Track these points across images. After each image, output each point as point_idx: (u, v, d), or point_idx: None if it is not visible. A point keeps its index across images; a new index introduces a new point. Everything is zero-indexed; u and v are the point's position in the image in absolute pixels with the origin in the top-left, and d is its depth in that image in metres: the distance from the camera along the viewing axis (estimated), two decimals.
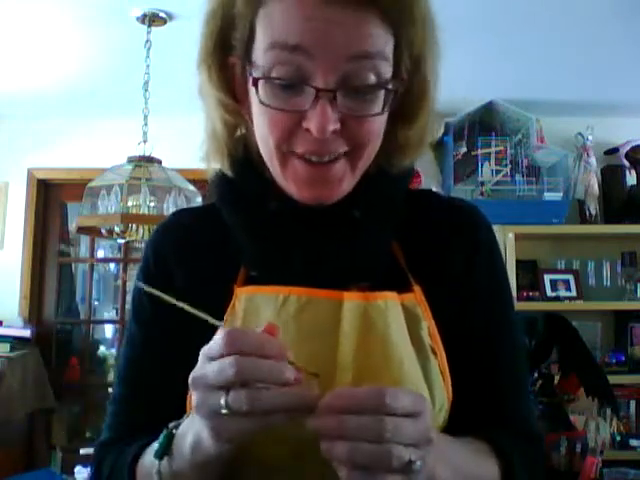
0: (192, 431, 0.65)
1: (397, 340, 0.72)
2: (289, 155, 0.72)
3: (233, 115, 0.77)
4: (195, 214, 0.91)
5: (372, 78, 0.69)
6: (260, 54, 0.70)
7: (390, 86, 0.71)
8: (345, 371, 0.71)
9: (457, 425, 0.76)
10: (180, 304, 0.64)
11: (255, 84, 0.70)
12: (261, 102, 0.70)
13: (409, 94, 0.75)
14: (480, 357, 0.80)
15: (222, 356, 0.58)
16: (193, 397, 0.61)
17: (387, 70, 0.70)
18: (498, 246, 0.86)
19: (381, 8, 0.67)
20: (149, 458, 0.71)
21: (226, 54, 0.75)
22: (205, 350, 0.61)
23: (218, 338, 0.60)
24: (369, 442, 0.56)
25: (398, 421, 0.56)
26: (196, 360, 0.73)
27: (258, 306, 0.75)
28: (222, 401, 0.57)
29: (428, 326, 0.76)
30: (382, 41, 0.69)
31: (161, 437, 0.69)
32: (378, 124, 0.73)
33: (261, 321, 0.72)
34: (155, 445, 0.69)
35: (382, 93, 0.70)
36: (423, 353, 0.74)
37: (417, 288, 0.77)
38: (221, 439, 0.61)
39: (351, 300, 0.74)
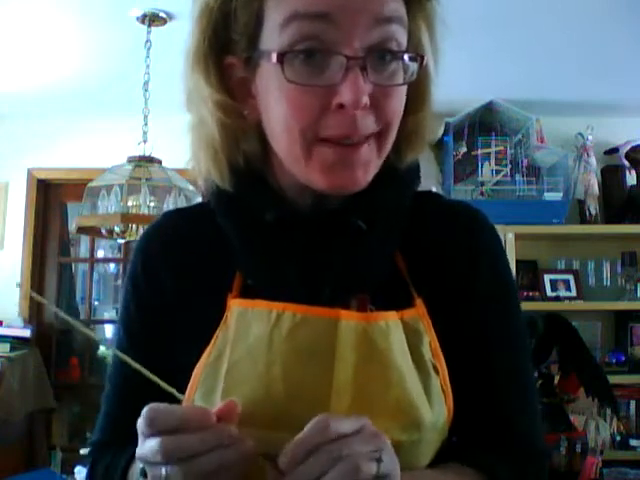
0: None
1: (399, 361, 0.70)
2: (315, 143, 0.68)
3: (233, 118, 0.72)
4: (187, 215, 0.86)
5: (394, 45, 0.67)
6: (275, 35, 0.66)
7: (412, 55, 0.69)
8: (341, 393, 0.68)
9: (458, 440, 0.74)
10: (138, 367, 0.64)
11: (281, 60, 0.65)
12: (288, 80, 0.65)
13: (416, 78, 0.72)
14: (483, 367, 0.77)
15: (148, 436, 0.60)
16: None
17: (404, 40, 0.69)
18: (503, 251, 0.82)
19: None
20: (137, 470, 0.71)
21: (221, 55, 0.71)
22: (139, 424, 0.61)
23: (140, 419, 0.60)
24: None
25: (349, 440, 0.58)
26: (183, 367, 0.72)
27: (250, 322, 0.71)
28: (163, 473, 0.59)
29: (430, 341, 0.73)
30: (400, 7, 0.68)
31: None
32: (402, 100, 0.70)
33: (251, 339, 0.71)
34: (138, 468, 0.69)
35: (401, 65, 0.68)
36: (424, 371, 0.71)
37: (419, 301, 0.75)
38: None
39: (349, 320, 0.70)
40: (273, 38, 0.67)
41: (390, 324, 0.71)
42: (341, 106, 0.66)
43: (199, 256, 0.80)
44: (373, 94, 0.67)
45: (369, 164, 0.70)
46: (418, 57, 0.69)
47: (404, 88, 0.70)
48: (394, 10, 0.67)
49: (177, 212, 0.91)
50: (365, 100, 0.65)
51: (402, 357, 0.71)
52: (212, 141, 0.73)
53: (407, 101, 0.72)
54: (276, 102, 0.68)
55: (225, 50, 0.71)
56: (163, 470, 0.59)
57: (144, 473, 0.67)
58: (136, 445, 0.75)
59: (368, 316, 0.71)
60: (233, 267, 0.76)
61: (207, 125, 0.73)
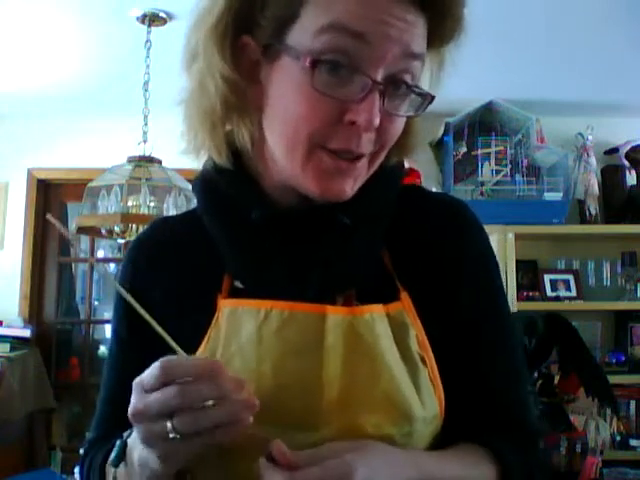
0: (138, 450, 0.66)
1: (386, 353, 0.71)
2: (317, 149, 0.69)
3: (237, 97, 0.72)
4: (175, 223, 0.88)
5: (409, 78, 0.70)
6: (308, 37, 0.67)
7: (422, 92, 0.71)
8: (331, 387, 0.69)
9: (453, 431, 0.74)
10: (155, 325, 0.66)
11: (313, 66, 0.66)
12: (313, 86, 0.66)
13: None
14: (472, 358, 0.77)
15: (159, 387, 0.60)
16: (136, 430, 0.63)
17: (419, 75, 0.72)
18: (489, 244, 0.83)
19: (428, 14, 0.69)
20: (109, 462, 0.73)
21: (239, 32, 0.71)
22: (139, 382, 0.62)
23: (154, 370, 0.61)
24: None
25: None
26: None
27: (240, 320, 0.73)
28: (169, 426, 0.60)
29: (417, 334, 0.74)
30: (424, 45, 0.71)
31: (116, 446, 0.70)
32: (402, 127, 0.73)
33: (242, 337, 0.72)
34: (112, 453, 0.71)
35: (409, 96, 0.71)
36: (412, 363, 0.72)
37: (405, 295, 0.75)
38: (171, 463, 0.63)
39: (335, 314, 0.71)
40: (304, 39, 0.67)
41: (375, 317, 0.72)
42: (352, 123, 0.68)
43: (187, 261, 0.81)
44: (380, 119, 0.69)
45: (359, 177, 0.73)
46: (428, 96, 0.72)
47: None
48: (421, 47, 0.70)
49: (164, 220, 0.92)
50: (376, 123, 0.68)
51: (389, 349, 0.72)
52: (211, 113, 0.73)
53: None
54: (290, 101, 0.69)
55: (245, 28, 0.71)
56: (169, 425, 0.59)
57: (116, 461, 0.69)
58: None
59: (354, 310, 0.72)
60: (221, 269, 0.77)
61: (209, 95, 0.72)
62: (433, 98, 0.72)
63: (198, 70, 0.73)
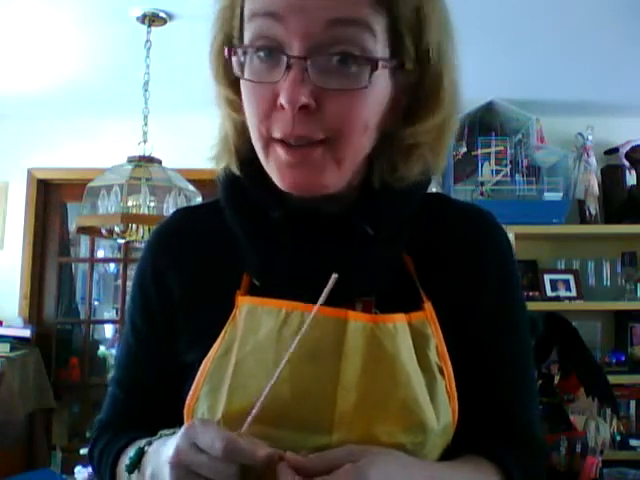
0: (152, 465, 0.66)
1: (405, 363, 0.70)
2: (271, 141, 0.69)
3: (240, 114, 0.73)
4: (197, 214, 0.88)
5: (355, 49, 0.65)
6: (244, 32, 0.69)
7: (371, 59, 0.65)
8: (347, 392, 0.68)
9: (462, 440, 0.74)
10: None
11: (229, 54, 0.68)
12: (235, 75, 0.69)
13: (418, 88, 0.71)
14: (486, 371, 0.77)
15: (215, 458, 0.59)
16: (168, 474, 0.61)
17: (372, 45, 0.66)
18: (513, 255, 0.82)
19: None
20: (123, 467, 0.73)
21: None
22: (192, 434, 0.61)
23: (216, 442, 0.59)
24: None
25: None
26: (190, 364, 0.74)
27: (259, 320, 0.72)
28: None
29: (437, 344, 0.73)
30: (365, 10, 0.65)
31: (133, 452, 0.70)
32: (360, 108, 0.67)
33: (260, 336, 0.71)
34: (127, 458, 0.71)
35: (367, 70, 0.65)
36: (430, 374, 0.71)
37: (428, 305, 0.74)
38: None
39: (357, 321, 0.70)
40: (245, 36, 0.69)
41: (398, 327, 0.71)
42: (282, 106, 0.66)
43: (208, 255, 0.80)
44: (321, 98, 0.65)
45: (323, 170, 0.68)
46: (369, 61, 0.66)
47: (364, 94, 0.67)
48: (352, 12, 0.64)
49: (188, 210, 0.92)
50: (303, 101, 0.64)
51: (409, 359, 0.71)
52: (226, 138, 0.76)
53: (409, 113, 0.72)
54: (244, 99, 0.71)
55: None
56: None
57: (131, 468, 0.70)
58: (134, 429, 0.77)
59: (376, 317, 0.71)
60: (241, 265, 0.76)
61: (223, 123, 0.76)
62: (377, 64, 0.65)
63: (217, 105, 0.77)
